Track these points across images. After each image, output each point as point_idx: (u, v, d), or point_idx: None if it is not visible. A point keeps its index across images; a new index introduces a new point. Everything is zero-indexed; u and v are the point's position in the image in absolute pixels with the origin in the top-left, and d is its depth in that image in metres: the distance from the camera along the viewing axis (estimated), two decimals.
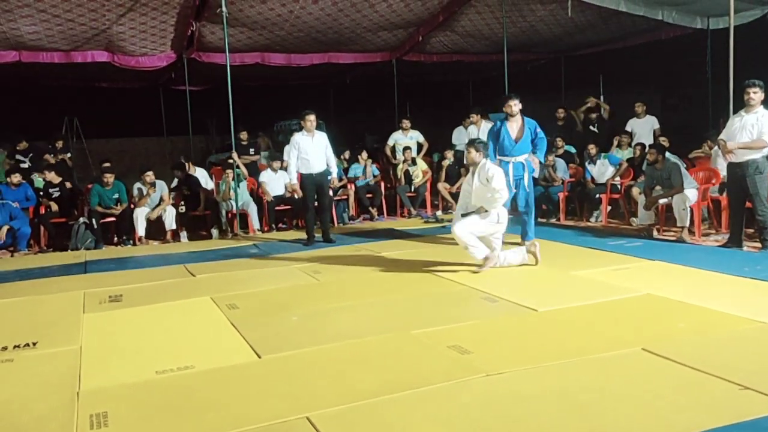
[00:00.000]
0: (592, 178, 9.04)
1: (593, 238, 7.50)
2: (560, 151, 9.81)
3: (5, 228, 8.01)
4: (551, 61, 13.35)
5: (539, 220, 9.16)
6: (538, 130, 6.92)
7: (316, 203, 8.06)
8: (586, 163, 9.19)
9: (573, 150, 10.43)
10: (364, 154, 10.76)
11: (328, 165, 8.02)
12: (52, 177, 9.06)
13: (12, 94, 13.19)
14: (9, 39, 9.14)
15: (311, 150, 7.78)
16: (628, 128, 9.80)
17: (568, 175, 9.43)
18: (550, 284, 5.39)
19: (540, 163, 7.26)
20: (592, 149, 9.09)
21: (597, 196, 8.86)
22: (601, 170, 8.98)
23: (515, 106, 6.82)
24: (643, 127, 9.79)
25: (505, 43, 10.06)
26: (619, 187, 8.85)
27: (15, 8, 8.25)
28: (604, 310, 4.55)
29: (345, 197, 10.24)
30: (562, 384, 3.23)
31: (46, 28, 8.95)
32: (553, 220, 9.11)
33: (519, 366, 3.48)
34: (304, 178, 7.95)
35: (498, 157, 6.83)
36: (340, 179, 10.35)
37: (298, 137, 7.78)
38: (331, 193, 9.75)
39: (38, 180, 9.89)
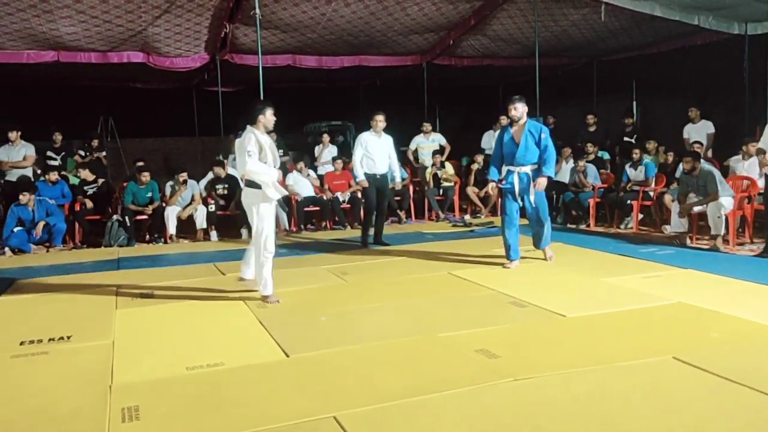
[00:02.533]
0: (629, 180, 8.92)
1: (624, 245, 7.41)
2: (591, 157, 9.71)
3: (42, 224, 8.20)
4: (583, 65, 13.22)
5: (568, 226, 9.10)
6: (544, 135, 6.05)
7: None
8: (627, 166, 9.06)
9: (606, 156, 10.31)
10: None
11: (391, 168, 7.87)
12: (87, 175, 9.25)
13: (50, 94, 13.50)
14: (49, 39, 9.37)
15: (376, 150, 7.65)
16: (684, 134, 9.61)
17: (599, 181, 9.33)
18: (579, 290, 5.34)
19: (549, 178, 6.18)
20: (636, 154, 8.97)
21: (628, 202, 8.75)
22: (639, 177, 8.87)
23: (514, 110, 6.08)
24: (699, 132, 9.57)
25: (537, 47, 10.00)
26: (651, 194, 8.73)
27: (55, 9, 8.45)
28: (635, 317, 4.49)
29: None
30: (590, 390, 3.20)
31: (84, 29, 9.16)
32: (583, 226, 9.02)
33: (547, 371, 3.46)
34: (366, 178, 7.78)
35: (505, 165, 6.30)
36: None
37: (365, 136, 7.67)
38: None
39: (73, 178, 10.12)
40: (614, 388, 3.24)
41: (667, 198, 8.13)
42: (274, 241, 5.16)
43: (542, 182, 6.04)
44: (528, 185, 6.13)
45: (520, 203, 6.22)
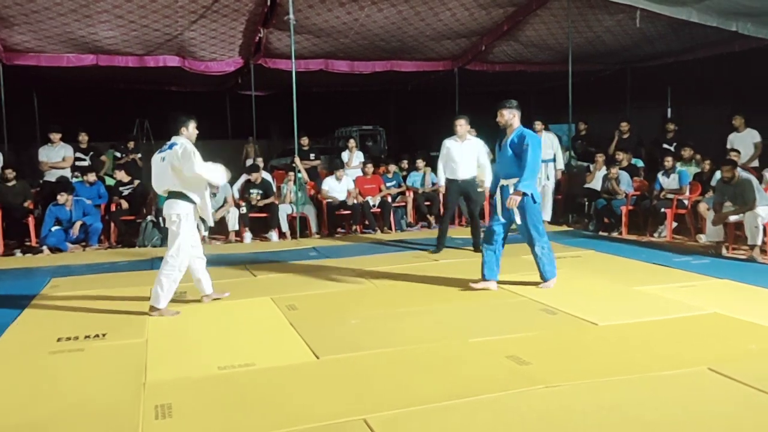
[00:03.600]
0: (662, 189, 8.79)
1: (657, 253, 7.29)
2: (624, 164, 9.59)
3: (79, 223, 8.39)
4: (616, 72, 13.08)
5: (600, 233, 9.00)
6: (525, 145, 5.33)
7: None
8: (660, 174, 8.92)
9: (640, 163, 10.18)
10: (422, 162, 10.78)
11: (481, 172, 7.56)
12: (122, 176, 9.43)
13: (88, 96, 13.81)
14: (88, 43, 9.60)
15: (459, 155, 7.48)
16: (728, 144, 9.41)
17: (632, 188, 9.21)
18: (611, 299, 5.27)
19: (525, 195, 5.37)
20: (668, 162, 8.83)
21: (662, 210, 8.62)
22: (672, 185, 8.73)
23: (500, 116, 5.55)
24: (745, 141, 9.31)
25: (570, 53, 9.92)
26: (685, 202, 8.58)
27: (94, 14, 8.65)
28: (668, 327, 4.42)
29: (403, 204, 10.28)
30: (622, 400, 3.16)
31: (123, 33, 9.36)
32: (615, 234, 8.90)
33: (578, 379, 3.43)
34: (448, 183, 7.70)
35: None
36: (399, 186, 10.41)
37: (446, 141, 7.58)
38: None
39: (109, 179, 10.33)
40: (647, 398, 3.19)
41: (702, 206, 7.98)
42: (186, 254, 5.03)
43: (513, 199, 5.34)
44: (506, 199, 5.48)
45: (508, 220, 5.54)
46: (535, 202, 5.47)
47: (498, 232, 5.60)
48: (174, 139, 5.08)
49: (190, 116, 5.21)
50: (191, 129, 5.16)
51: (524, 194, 5.36)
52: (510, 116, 5.53)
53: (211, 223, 5.44)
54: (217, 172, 5.06)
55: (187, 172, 4.90)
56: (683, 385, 3.36)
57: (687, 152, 9.39)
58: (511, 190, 5.43)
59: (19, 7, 8.29)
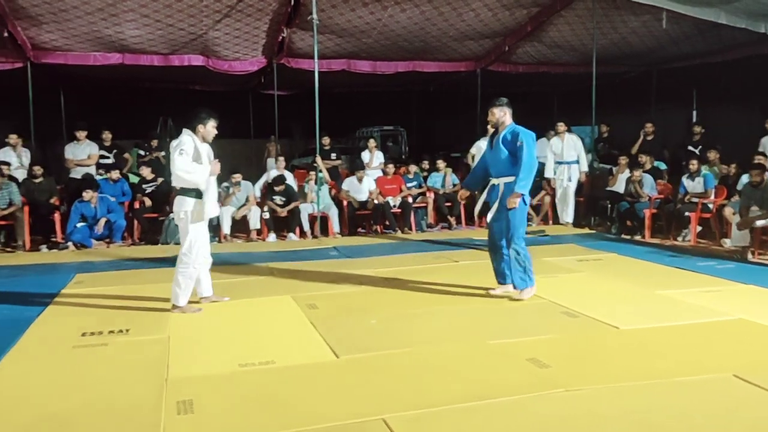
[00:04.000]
0: (687, 192, 8.68)
1: (681, 257, 7.20)
2: (647, 167, 9.48)
3: (103, 220, 8.50)
4: (642, 73, 12.93)
5: (623, 236, 8.91)
6: (520, 143, 5.12)
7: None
8: (684, 177, 8.81)
9: (663, 166, 10.06)
10: (443, 163, 10.76)
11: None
12: (147, 173, 9.55)
13: (113, 94, 13.98)
14: (114, 42, 9.72)
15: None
16: (760, 147, 9.26)
17: (655, 191, 9.11)
18: (633, 302, 5.21)
19: (521, 196, 5.15)
20: (694, 165, 8.72)
21: (686, 214, 8.51)
22: (697, 188, 8.61)
23: (491, 115, 5.38)
24: None
25: (595, 54, 9.83)
26: (710, 206, 8.47)
27: (121, 13, 8.76)
28: (692, 332, 4.37)
29: (424, 205, 10.27)
30: (644, 405, 3.13)
31: (148, 32, 9.46)
32: (638, 237, 8.81)
33: (600, 384, 3.40)
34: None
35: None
36: (420, 186, 10.40)
37: (478, 143, 7.59)
38: (409, 201, 9.83)
39: (133, 176, 10.45)
40: (670, 404, 3.15)
41: (728, 211, 7.86)
42: (198, 254, 4.96)
43: (512, 201, 5.09)
44: (496, 199, 5.30)
45: (505, 220, 5.25)
46: (525, 204, 5.25)
47: (495, 236, 5.41)
48: (184, 131, 4.97)
49: (211, 113, 5.04)
50: (208, 127, 5.00)
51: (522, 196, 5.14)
52: (501, 114, 5.35)
53: (214, 214, 5.28)
54: (196, 174, 4.83)
55: (172, 168, 4.85)
56: (708, 391, 3.32)
57: (713, 155, 9.26)
58: (501, 189, 5.25)
59: (48, 5, 8.42)
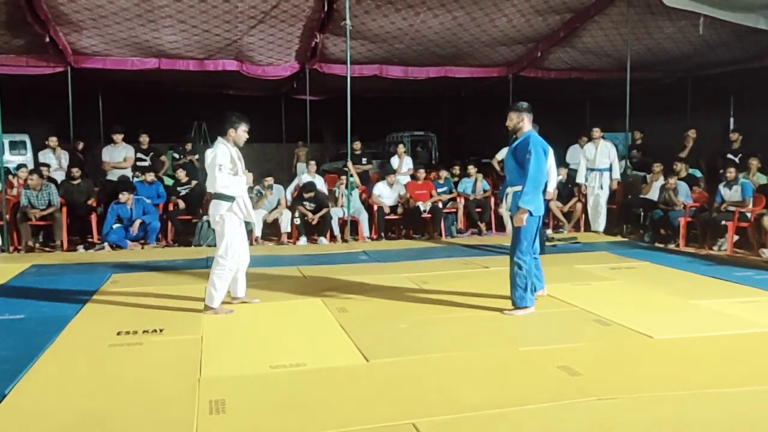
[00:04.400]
0: (723, 201, 8.52)
1: (717, 267, 7.06)
2: (682, 174, 9.33)
3: (138, 222, 8.66)
4: (677, 80, 12.74)
5: (656, 245, 8.77)
6: (529, 155, 4.90)
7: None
8: (721, 186, 8.65)
9: (698, 174, 9.89)
10: (473, 169, 10.73)
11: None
12: (182, 176, 9.71)
13: (149, 98, 14.26)
14: (152, 47, 9.93)
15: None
16: None
17: (690, 200, 8.95)
18: (667, 311, 5.13)
19: (527, 213, 4.91)
20: (731, 173, 8.56)
21: (723, 223, 8.35)
22: (734, 197, 8.45)
23: (508, 120, 5.15)
24: None
25: (629, 60, 9.72)
26: (748, 215, 8.30)
27: (158, 19, 8.95)
28: (729, 343, 4.28)
29: (454, 210, 10.25)
30: (678, 416, 3.08)
31: (185, 38, 9.65)
32: (672, 246, 8.66)
33: (632, 393, 3.35)
34: None
35: None
36: (450, 192, 10.39)
37: (506, 149, 7.66)
38: (432, 205, 9.83)
39: (168, 179, 10.64)
40: (704, 416, 3.10)
41: (767, 220, 7.70)
42: (234, 256, 5.05)
43: (518, 218, 4.91)
44: (507, 209, 5.20)
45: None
46: (531, 215, 4.95)
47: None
48: (218, 139, 5.08)
49: (243, 118, 5.10)
50: (240, 132, 5.06)
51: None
52: (518, 120, 5.12)
53: (252, 221, 5.36)
54: (233, 187, 4.98)
55: (209, 185, 5.03)
56: (743, 404, 3.25)
57: (755, 163, 9.05)
58: (510, 198, 5.13)
59: (89, 12, 8.64)
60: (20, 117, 12.23)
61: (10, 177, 10.02)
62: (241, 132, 5.08)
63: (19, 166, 10.98)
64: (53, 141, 10.22)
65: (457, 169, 11.15)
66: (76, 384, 3.62)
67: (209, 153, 5.00)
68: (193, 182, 9.76)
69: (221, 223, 5.03)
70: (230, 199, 5.00)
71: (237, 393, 3.40)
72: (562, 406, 3.19)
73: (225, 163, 4.94)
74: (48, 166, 9.63)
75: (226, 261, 5.02)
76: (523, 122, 5.14)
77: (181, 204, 9.43)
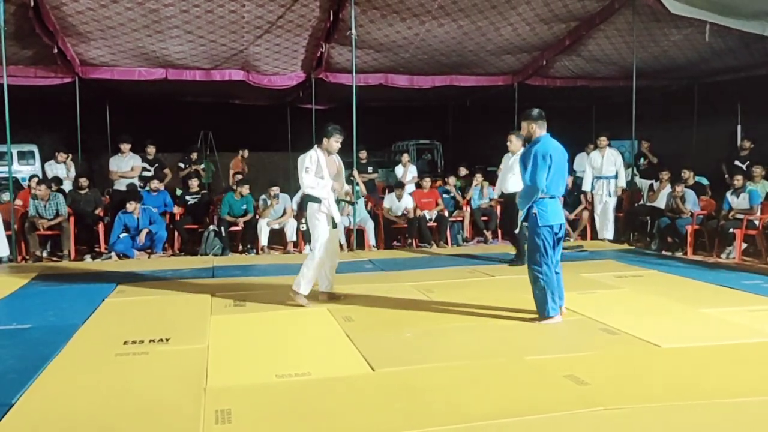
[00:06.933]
0: (731, 209, 8.48)
1: (725, 275, 7.02)
2: (690, 182, 9.30)
3: (145, 231, 8.68)
4: (683, 87, 12.72)
5: (663, 253, 8.73)
6: (528, 161, 5.02)
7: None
8: (728, 194, 8.61)
9: (705, 181, 9.85)
10: (480, 177, 10.72)
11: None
12: (194, 185, 9.77)
13: (155, 108, 14.33)
14: (159, 58, 9.99)
15: (506, 168, 7.86)
16: None
17: (698, 207, 8.91)
18: (675, 320, 5.10)
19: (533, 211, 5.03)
20: (739, 181, 8.52)
21: (731, 230, 8.31)
22: (742, 204, 8.41)
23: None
24: None
25: (635, 68, 9.71)
26: (756, 222, 8.25)
27: (166, 29, 9.01)
28: (739, 352, 4.25)
29: (460, 219, 10.24)
30: (687, 426, 3.06)
31: (191, 48, 9.70)
32: (679, 254, 8.62)
33: (640, 403, 3.33)
34: (500, 196, 8.27)
35: None
36: (452, 198, 10.38)
37: (506, 156, 7.86)
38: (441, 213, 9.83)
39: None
40: (712, 426, 3.08)
41: None
42: (324, 251, 5.57)
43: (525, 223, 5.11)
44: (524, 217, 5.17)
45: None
46: (539, 226, 4.94)
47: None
48: (314, 146, 5.68)
49: (337, 129, 5.66)
50: (332, 141, 5.64)
51: (533, 211, 4.96)
52: (529, 128, 5.17)
53: (338, 220, 5.81)
54: (318, 189, 5.56)
55: (301, 184, 5.64)
56: (752, 414, 3.23)
57: (759, 171, 9.03)
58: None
59: (96, 23, 8.71)
60: (28, 127, 12.29)
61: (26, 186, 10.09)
62: (333, 142, 5.66)
63: (32, 177, 11.04)
64: (62, 156, 10.33)
65: (463, 171, 11.15)
66: (83, 393, 3.62)
67: (302, 156, 5.64)
68: (202, 192, 9.79)
69: (312, 221, 5.62)
70: (318, 200, 5.55)
71: (243, 402, 3.40)
72: (568, 416, 3.17)
73: (311, 166, 5.55)
74: (60, 180, 9.70)
75: (316, 254, 5.54)
76: (534, 129, 5.18)
77: (177, 209, 9.46)
